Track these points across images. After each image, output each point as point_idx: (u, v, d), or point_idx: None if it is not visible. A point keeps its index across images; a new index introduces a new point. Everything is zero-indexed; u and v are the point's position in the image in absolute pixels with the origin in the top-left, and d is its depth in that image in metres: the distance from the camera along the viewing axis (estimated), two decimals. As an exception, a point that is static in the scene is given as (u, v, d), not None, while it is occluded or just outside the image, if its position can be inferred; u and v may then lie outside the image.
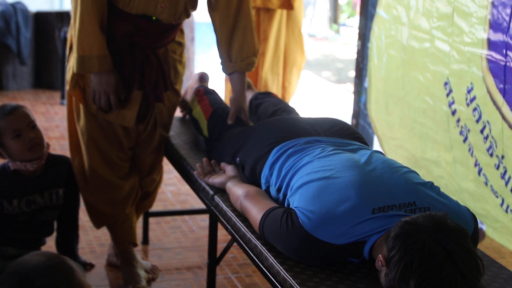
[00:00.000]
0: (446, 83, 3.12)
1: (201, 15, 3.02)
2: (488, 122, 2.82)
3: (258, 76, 4.72)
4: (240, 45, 2.88)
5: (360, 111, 4.14)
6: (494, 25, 2.75)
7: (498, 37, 2.73)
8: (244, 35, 2.88)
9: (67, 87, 2.93)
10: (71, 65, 2.84)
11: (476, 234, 2.02)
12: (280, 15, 4.70)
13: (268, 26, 4.67)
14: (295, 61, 4.92)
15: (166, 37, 2.90)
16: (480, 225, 2.94)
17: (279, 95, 4.81)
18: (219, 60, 2.97)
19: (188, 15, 2.91)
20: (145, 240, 3.59)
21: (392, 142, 3.78)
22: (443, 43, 3.13)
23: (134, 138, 3.03)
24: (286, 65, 4.87)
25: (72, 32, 2.80)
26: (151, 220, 3.78)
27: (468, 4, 2.93)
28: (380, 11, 3.75)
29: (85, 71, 2.77)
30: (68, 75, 2.90)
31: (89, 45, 2.72)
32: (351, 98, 4.51)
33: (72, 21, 2.79)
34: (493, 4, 2.76)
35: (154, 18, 2.80)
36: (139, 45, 2.83)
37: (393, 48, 3.62)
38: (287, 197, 2.16)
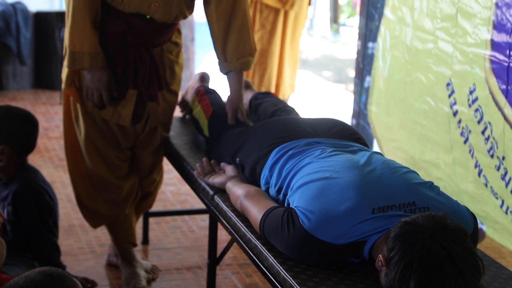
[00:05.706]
0: (448, 84, 3.12)
1: (201, 15, 2.99)
2: (489, 123, 2.82)
3: (265, 71, 4.71)
4: (236, 44, 2.87)
5: (360, 111, 4.14)
6: (498, 26, 2.75)
7: (502, 38, 2.73)
8: (240, 34, 2.86)
9: (62, 86, 2.92)
10: (66, 63, 2.84)
11: (476, 233, 2.02)
12: (284, 13, 4.70)
13: (274, 23, 4.66)
14: (296, 59, 4.93)
15: (161, 36, 2.88)
16: (480, 225, 2.94)
17: (283, 91, 4.82)
18: (216, 60, 2.96)
19: (184, 16, 2.88)
20: (145, 240, 3.59)
21: (391, 144, 3.77)
22: (446, 44, 3.12)
23: (131, 137, 3.02)
24: (287, 62, 4.87)
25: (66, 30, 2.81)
26: (151, 220, 3.77)
27: (472, 5, 2.92)
28: (387, 12, 3.75)
29: (76, 67, 2.77)
30: (63, 74, 2.90)
31: (80, 42, 2.72)
32: (351, 98, 4.51)
33: (66, 18, 2.79)
34: (497, 5, 2.75)
35: (148, 17, 2.79)
36: (132, 43, 2.82)
37: (397, 49, 3.62)
38: (287, 197, 2.16)
